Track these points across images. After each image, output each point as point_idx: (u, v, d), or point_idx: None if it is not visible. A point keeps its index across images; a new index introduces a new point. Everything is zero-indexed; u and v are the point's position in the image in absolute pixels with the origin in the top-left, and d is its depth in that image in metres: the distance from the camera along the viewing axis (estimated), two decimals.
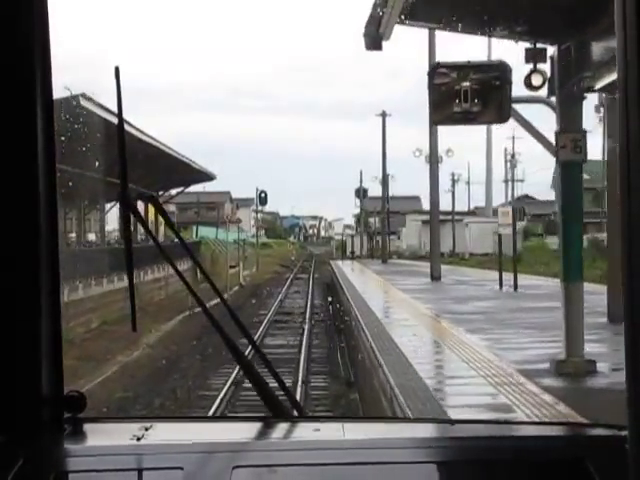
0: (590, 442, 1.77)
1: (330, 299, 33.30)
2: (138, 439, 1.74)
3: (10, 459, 1.63)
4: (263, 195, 56.52)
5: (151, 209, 2.04)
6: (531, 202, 68.93)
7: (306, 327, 25.49)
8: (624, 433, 1.62)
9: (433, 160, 36.27)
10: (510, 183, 64.34)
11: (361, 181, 71.23)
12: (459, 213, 68.89)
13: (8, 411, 1.74)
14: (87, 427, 1.83)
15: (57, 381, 1.81)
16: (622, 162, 1.12)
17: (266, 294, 38.19)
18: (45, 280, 1.76)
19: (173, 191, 45.46)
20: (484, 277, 32.73)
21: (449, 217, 66.37)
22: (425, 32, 31.43)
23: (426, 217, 71.50)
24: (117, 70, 1.81)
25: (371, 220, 77.31)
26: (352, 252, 70.29)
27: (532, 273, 33.24)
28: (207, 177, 45.18)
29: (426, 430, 2.01)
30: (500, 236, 28.65)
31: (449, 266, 42.03)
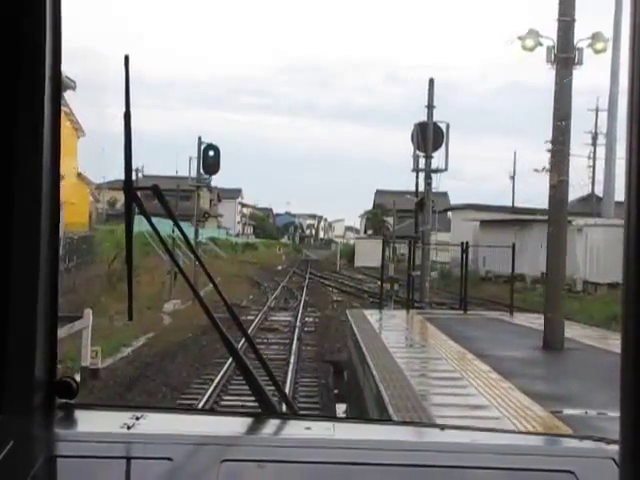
0: (578, 455, 2.13)
1: None
2: (128, 428, 2.11)
3: None
4: (212, 153, 35.39)
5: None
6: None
7: None
8: (612, 447, 2.08)
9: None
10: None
11: (430, 101, 39.50)
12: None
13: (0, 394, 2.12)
14: (78, 413, 2.25)
15: (50, 366, 2.21)
16: (627, 173, 1.23)
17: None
18: (43, 262, 2.14)
19: None
20: None
21: (536, 216, 45.73)
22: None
23: (487, 215, 56.26)
24: (127, 59, 2.14)
25: (389, 220, 69.24)
26: (408, 290, 31.70)
27: None
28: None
29: (415, 434, 2.47)
30: None
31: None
